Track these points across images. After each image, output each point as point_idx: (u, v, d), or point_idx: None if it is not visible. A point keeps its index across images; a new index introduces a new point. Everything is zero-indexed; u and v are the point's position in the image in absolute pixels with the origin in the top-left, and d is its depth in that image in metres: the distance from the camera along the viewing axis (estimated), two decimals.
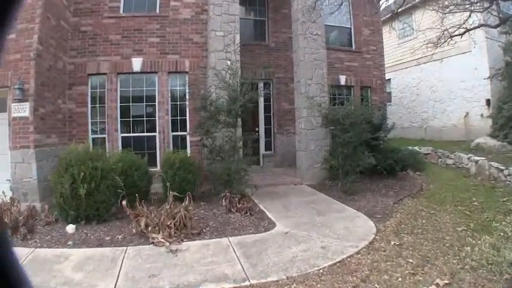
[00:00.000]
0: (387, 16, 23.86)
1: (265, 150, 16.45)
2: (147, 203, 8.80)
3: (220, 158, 11.02)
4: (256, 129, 16.28)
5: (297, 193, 11.81)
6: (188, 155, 11.92)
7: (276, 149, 16.32)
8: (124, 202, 8.08)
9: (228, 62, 11.77)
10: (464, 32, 15.34)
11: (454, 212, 9.62)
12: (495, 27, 15.64)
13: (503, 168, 12.83)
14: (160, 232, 7.66)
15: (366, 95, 17.89)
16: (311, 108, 12.76)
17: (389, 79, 25.15)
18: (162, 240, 7.44)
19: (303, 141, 13.32)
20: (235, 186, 10.39)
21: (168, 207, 8.14)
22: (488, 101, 19.22)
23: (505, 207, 9.86)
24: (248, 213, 9.42)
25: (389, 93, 25.63)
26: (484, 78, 18.98)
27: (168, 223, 7.79)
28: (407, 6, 22.53)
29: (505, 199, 10.66)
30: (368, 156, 11.62)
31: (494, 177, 13.12)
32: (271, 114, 16.46)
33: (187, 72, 13.15)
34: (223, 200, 9.84)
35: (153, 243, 7.43)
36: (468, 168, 14.78)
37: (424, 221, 8.83)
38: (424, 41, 17.06)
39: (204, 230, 8.33)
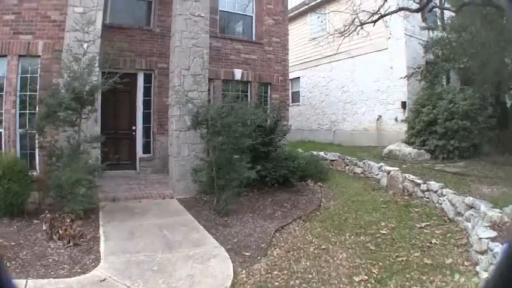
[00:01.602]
0: (302, 9, 22.39)
1: (143, 153, 13.62)
2: None
3: (62, 164, 8.36)
4: (133, 127, 13.49)
5: (159, 211, 9.01)
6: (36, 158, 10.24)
7: (156, 151, 13.52)
8: None
9: (85, 45, 9.22)
10: (378, 19, 13.46)
11: (354, 245, 7.09)
12: (416, 11, 13.74)
13: (419, 182, 10.57)
14: None
15: (265, 92, 15.46)
16: (185, 104, 10.01)
17: (298, 77, 23.98)
18: None
19: (175, 145, 10.59)
20: (70, 203, 7.75)
21: None
22: (404, 104, 17.29)
23: (423, 238, 7.53)
24: (71, 243, 6.76)
25: (298, 92, 24.19)
26: (401, 78, 17.09)
27: None
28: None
29: (422, 224, 8.33)
30: (248, 168, 8.98)
31: (409, 192, 10.87)
32: (152, 111, 13.66)
33: (39, 56, 10.50)
34: (44, 223, 7.22)
35: None
36: (379, 179, 12.52)
37: (308, 263, 6.20)
38: (333, 31, 15.10)
39: (9, 264, 5.77)
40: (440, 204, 9.43)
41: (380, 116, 18.51)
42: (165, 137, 13.13)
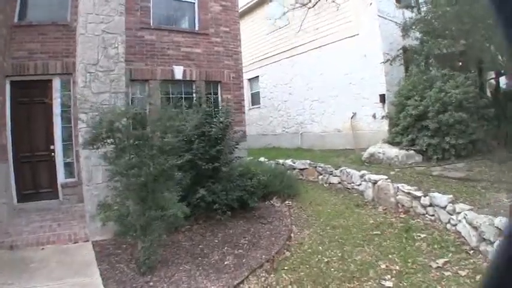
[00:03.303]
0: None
1: (66, 177, 10.64)
2: None
3: None
4: (52, 147, 10.56)
5: (59, 265, 6.07)
6: None
7: (81, 175, 10.50)
8: None
9: None
10: None
11: None
12: None
13: (418, 194, 8.03)
14: None
15: (214, 92, 12.75)
16: (90, 112, 7.03)
17: (257, 76, 21.32)
18: None
19: (85, 168, 7.79)
20: None
21: None
22: (382, 97, 14.61)
23: None
24: None
25: (258, 93, 21.49)
26: (381, 62, 14.35)
27: None
28: None
29: (438, 262, 5.77)
30: (177, 199, 6.08)
31: (405, 207, 8.33)
32: (72, 125, 10.58)
33: None
34: None
35: None
36: (362, 191, 9.99)
37: None
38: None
39: None
40: (454, 225, 7.00)
41: (354, 114, 15.89)
42: None
